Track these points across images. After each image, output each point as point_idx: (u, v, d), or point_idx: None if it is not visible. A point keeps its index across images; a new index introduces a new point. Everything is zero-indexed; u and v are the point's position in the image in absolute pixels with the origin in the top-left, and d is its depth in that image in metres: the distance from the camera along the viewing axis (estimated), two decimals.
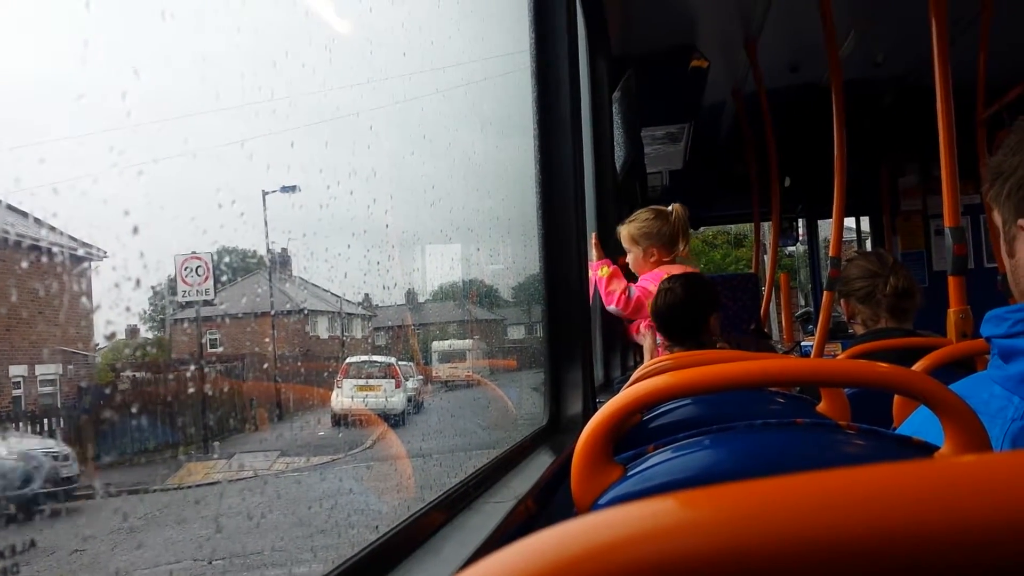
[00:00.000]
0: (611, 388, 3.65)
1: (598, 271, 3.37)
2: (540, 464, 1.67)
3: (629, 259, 3.45)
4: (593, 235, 3.45)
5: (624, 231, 3.44)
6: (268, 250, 0.95)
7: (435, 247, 1.63)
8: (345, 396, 1.09)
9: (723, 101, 5.88)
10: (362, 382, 1.19)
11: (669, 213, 3.40)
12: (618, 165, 4.54)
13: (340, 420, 1.11)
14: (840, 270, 3.49)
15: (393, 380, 1.26)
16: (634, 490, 1.06)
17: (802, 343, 5.61)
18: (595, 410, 2.10)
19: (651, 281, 3.13)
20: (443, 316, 1.39)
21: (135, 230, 0.73)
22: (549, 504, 1.45)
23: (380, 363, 1.30)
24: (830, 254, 3.83)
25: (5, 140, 0.65)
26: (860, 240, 7.29)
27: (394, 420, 1.26)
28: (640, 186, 6.43)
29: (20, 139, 0.66)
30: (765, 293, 5.79)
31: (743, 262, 21.00)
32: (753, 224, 6.74)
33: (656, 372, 1.57)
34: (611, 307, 3.33)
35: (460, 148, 1.64)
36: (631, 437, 1.59)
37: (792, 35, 4.71)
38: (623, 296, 3.30)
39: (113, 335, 0.81)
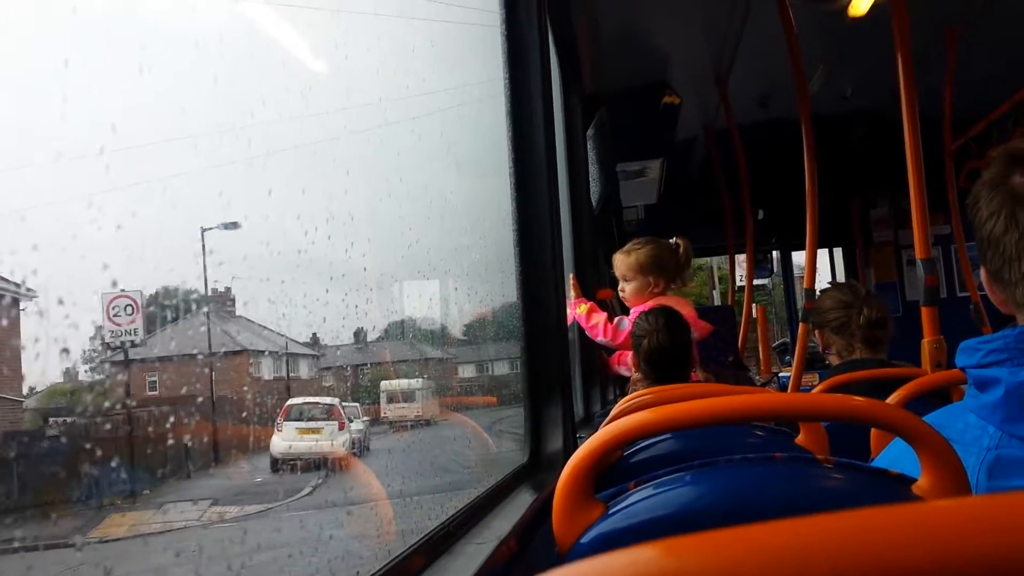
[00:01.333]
0: (591, 423, 3.64)
1: (576, 309, 3.38)
2: (521, 503, 1.67)
3: (627, 288, 3.42)
4: (571, 276, 3.46)
5: (630, 259, 3.40)
6: (212, 289, 0.93)
7: (411, 285, 1.61)
8: (285, 439, 1.05)
9: (695, 136, 5.96)
10: (303, 424, 1.15)
11: (676, 246, 3.43)
12: (594, 200, 4.58)
13: (280, 465, 1.04)
14: (814, 302, 3.53)
15: (335, 422, 1.21)
16: (616, 528, 1.06)
17: (779, 374, 5.65)
18: (576, 446, 2.10)
19: None
20: (396, 355, 1.35)
21: (104, 267, 0.73)
22: (531, 543, 1.44)
23: (322, 404, 1.24)
24: (804, 286, 3.87)
25: None
26: (834, 272, 7.37)
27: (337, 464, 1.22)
28: (616, 220, 6.49)
29: None
30: (742, 325, 5.83)
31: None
32: (728, 256, 6.81)
33: (636, 408, 1.57)
34: (600, 339, 3.34)
35: (436, 189, 1.66)
36: (612, 473, 1.59)
37: (762, 71, 4.80)
38: (608, 326, 3.31)
39: (46, 379, 0.79)
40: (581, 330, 3.52)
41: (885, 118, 5.40)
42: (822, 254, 7.20)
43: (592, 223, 4.56)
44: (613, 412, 2.06)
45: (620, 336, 3.27)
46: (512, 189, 2.07)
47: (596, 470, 1.15)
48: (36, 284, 0.70)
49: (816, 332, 2.89)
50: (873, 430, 1.67)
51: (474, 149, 2.10)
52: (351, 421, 1.28)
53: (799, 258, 7.55)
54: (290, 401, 1.18)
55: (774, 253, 7.74)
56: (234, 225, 0.90)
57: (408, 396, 1.40)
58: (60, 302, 0.70)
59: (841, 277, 7.10)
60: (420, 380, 1.47)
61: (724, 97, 4.92)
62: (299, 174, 1.04)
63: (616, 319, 3.35)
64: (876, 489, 1.00)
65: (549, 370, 2.08)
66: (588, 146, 4.46)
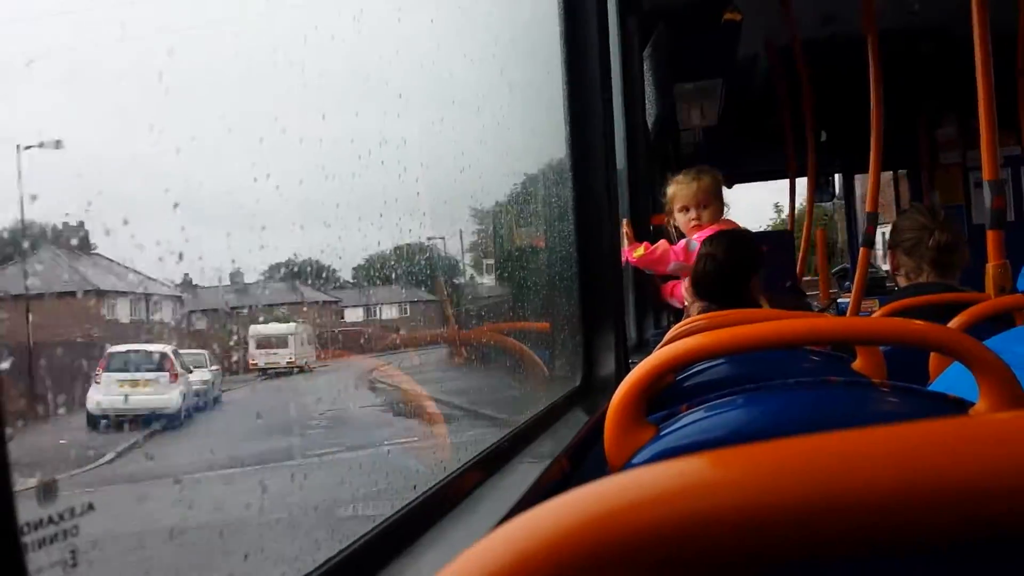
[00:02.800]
0: (644, 348, 3.65)
1: (632, 254, 3.32)
2: (574, 424, 1.69)
3: (703, 215, 3.29)
4: (625, 221, 3.41)
5: (707, 183, 3.33)
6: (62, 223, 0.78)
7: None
8: (103, 392, 0.87)
9: (756, 55, 5.77)
10: (126, 376, 0.96)
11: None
12: (650, 123, 4.49)
13: (98, 423, 0.87)
14: (876, 226, 3.46)
15: (167, 373, 1.03)
16: (667, 448, 1.07)
17: (839, 300, 5.57)
18: (628, 371, 2.12)
19: None
20: (280, 298, 1.16)
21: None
22: (583, 463, 1.47)
23: (151, 352, 1.06)
24: (867, 209, 3.78)
25: None
26: (898, 194, 7.17)
27: (165, 422, 1.00)
28: (673, 145, 6.37)
29: None
30: (801, 250, 5.73)
31: None
32: (788, 180, 6.65)
33: (690, 332, 1.57)
34: (671, 266, 3.29)
35: (489, 112, 1.64)
36: (664, 397, 1.60)
37: None
38: (675, 248, 3.26)
39: None
40: None
41: (953, 34, 5.17)
42: (886, 177, 7.00)
43: (648, 147, 4.49)
44: (667, 337, 2.06)
45: (692, 257, 3.22)
46: (565, 113, 2.05)
47: (648, 393, 1.16)
48: None
49: (889, 253, 2.86)
50: (932, 355, 1.64)
51: (527, 72, 2.07)
52: (189, 371, 1.05)
53: (861, 181, 7.35)
54: (111, 348, 0.96)
55: (836, 176, 7.55)
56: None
57: (280, 341, 1.19)
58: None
59: (905, 200, 6.91)
60: (293, 324, 1.26)
61: (787, 13, 4.75)
62: (352, 98, 1.05)
63: (684, 241, 3.29)
64: (933, 412, 0.99)
65: (602, 296, 2.08)
66: (645, 66, 4.36)
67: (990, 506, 0.33)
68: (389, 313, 1.44)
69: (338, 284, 1.21)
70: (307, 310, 1.23)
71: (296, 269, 1.08)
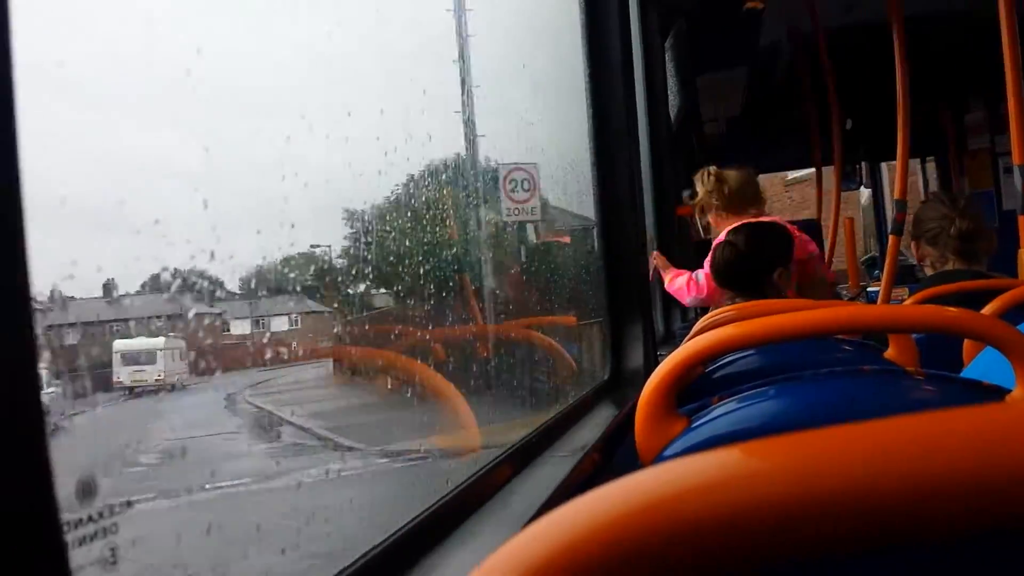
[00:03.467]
0: (672, 341, 3.64)
1: (673, 285, 3.26)
2: (603, 417, 1.69)
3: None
4: (655, 254, 3.37)
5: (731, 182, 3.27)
6: None
7: None
8: None
9: (779, 42, 5.72)
10: None
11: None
12: (672, 115, 4.47)
13: None
14: (905, 213, 3.42)
15: None
16: (700, 440, 1.07)
17: (868, 289, 5.51)
18: (657, 363, 2.11)
19: None
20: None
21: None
22: (614, 456, 1.47)
23: None
24: (895, 197, 3.73)
25: None
26: (926, 182, 7.08)
27: None
28: (697, 136, 6.33)
29: None
30: (829, 239, 5.68)
31: None
32: (815, 169, 6.59)
33: (718, 323, 1.56)
34: (689, 299, 3.23)
35: (513, 110, 1.64)
36: (694, 389, 1.59)
37: None
38: (690, 283, 3.18)
39: None
40: (660, 246, 3.47)
41: (979, 17, 5.09)
42: (914, 164, 6.92)
43: (671, 139, 4.46)
44: (695, 328, 2.04)
45: (704, 289, 3.15)
46: (588, 108, 2.04)
47: (679, 385, 1.16)
48: None
49: (913, 243, 2.82)
50: (966, 343, 1.62)
51: (551, 68, 2.06)
52: None
53: (888, 169, 7.27)
54: None
55: (862, 164, 7.47)
56: None
57: (149, 357, 1.08)
58: None
59: (934, 187, 6.83)
60: (163, 338, 1.13)
61: (809, 1, 4.70)
62: (377, 95, 1.05)
63: (700, 272, 3.21)
64: (969, 400, 0.98)
65: (629, 289, 2.08)
66: (666, 58, 4.34)
67: None
68: (279, 325, 1.34)
69: (222, 295, 1.07)
70: (182, 324, 1.06)
71: (174, 279, 0.98)
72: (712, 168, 3.32)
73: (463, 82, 1.55)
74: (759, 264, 2.55)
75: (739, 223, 2.81)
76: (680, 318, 4.18)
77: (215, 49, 0.72)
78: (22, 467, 0.41)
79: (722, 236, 3.01)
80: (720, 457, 0.36)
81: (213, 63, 0.72)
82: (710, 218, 3.31)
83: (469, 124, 1.60)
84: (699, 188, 3.31)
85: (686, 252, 5.32)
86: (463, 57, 1.52)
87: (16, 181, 0.41)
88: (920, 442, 0.33)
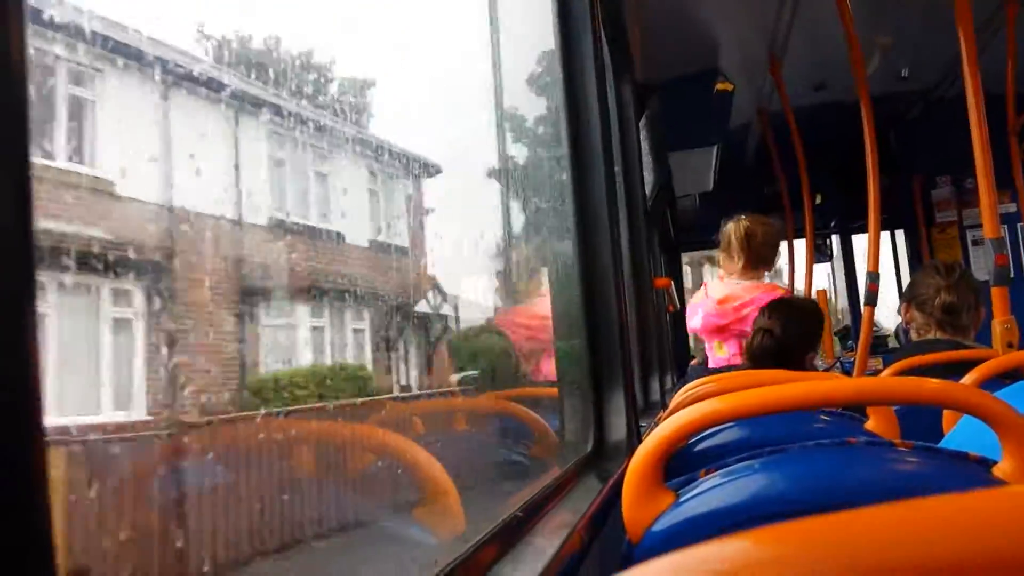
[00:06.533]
0: (651, 411, 3.63)
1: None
2: (588, 492, 1.67)
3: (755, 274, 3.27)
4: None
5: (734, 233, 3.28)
6: None
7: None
8: None
9: (750, 122, 5.88)
10: None
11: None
12: (647, 190, 4.55)
13: None
14: (878, 284, 3.48)
15: None
16: (690, 516, 1.06)
17: (841, 359, 5.55)
18: (639, 434, 2.10)
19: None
20: None
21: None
22: (601, 532, 1.45)
23: None
24: (868, 269, 3.80)
25: None
26: (896, 254, 7.21)
27: None
28: (670, 210, 6.43)
29: None
30: None
31: None
32: (787, 242, 6.70)
33: (699, 396, 1.57)
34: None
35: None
36: (678, 461, 1.58)
37: (816, 55, 4.72)
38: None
39: None
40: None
41: (943, 95, 5.27)
42: (884, 237, 7.04)
43: (646, 212, 4.53)
44: (674, 402, 2.05)
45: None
46: (571, 181, 2.07)
47: (665, 459, 1.15)
48: None
49: (903, 305, 2.88)
50: (946, 413, 1.63)
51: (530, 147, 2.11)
52: None
53: (858, 241, 7.40)
54: None
55: (833, 237, 7.60)
56: None
57: None
58: None
59: (904, 260, 6.95)
60: None
61: (778, 82, 4.85)
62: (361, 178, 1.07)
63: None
64: (957, 473, 0.98)
65: (611, 360, 2.08)
66: (641, 135, 4.44)
67: None
68: None
69: None
70: None
71: None
72: (744, 220, 3.31)
73: None
74: (795, 353, 2.45)
75: (771, 298, 2.75)
76: (659, 390, 4.18)
77: None
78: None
79: (734, 293, 2.96)
80: (723, 548, 0.36)
81: None
82: (721, 263, 3.32)
83: None
84: (728, 237, 3.30)
85: (661, 324, 5.34)
86: None
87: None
88: (937, 527, 0.34)
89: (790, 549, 0.35)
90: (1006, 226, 5.26)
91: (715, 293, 3.13)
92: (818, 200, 6.10)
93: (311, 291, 0.92)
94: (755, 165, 6.50)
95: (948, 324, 2.68)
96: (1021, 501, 0.35)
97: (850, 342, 6.16)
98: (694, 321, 3.21)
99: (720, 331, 3.06)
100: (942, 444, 1.37)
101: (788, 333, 2.43)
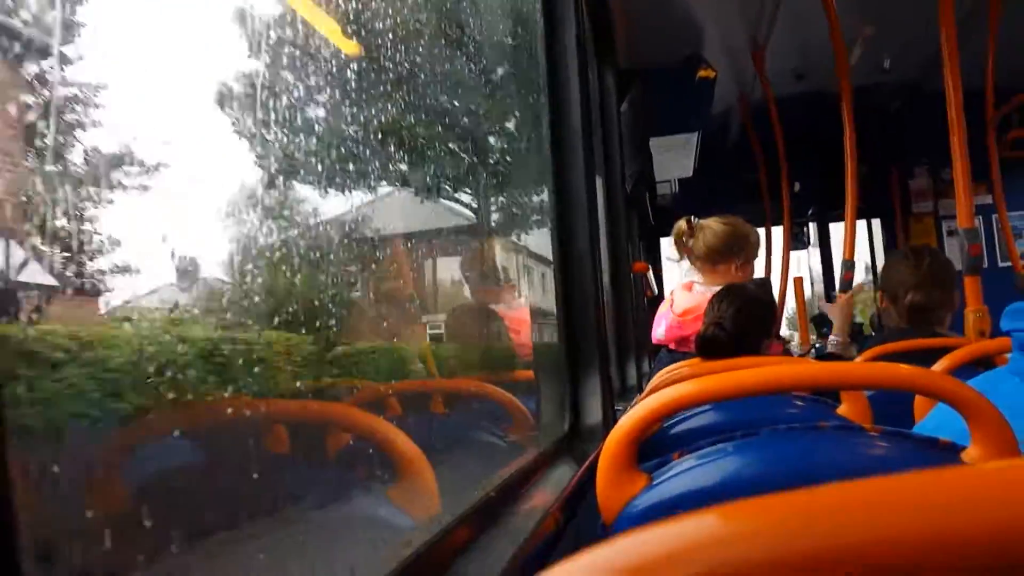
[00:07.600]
0: (627, 395, 3.65)
1: None
2: (563, 474, 1.68)
3: (743, 271, 3.26)
4: None
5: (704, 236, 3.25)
6: None
7: None
8: None
9: (731, 109, 5.90)
10: None
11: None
12: (627, 175, 4.56)
13: None
14: (853, 272, 3.51)
15: None
16: (663, 499, 1.07)
17: (816, 345, 5.61)
18: (615, 418, 2.11)
19: None
20: None
21: None
22: (575, 514, 1.45)
23: None
24: (844, 257, 3.83)
25: None
26: (872, 243, 7.27)
27: None
28: (650, 195, 6.45)
29: None
30: (778, 297, 5.78)
31: None
32: (764, 229, 6.74)
33: (674, 380, 1.57)
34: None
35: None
36: (653, 444, 1.59)
37: (798, 44, 4.74)
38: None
39: None
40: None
41: (924, 88, 5.32)
42: (860, 225, 7.10)
43: (625, 198, 4.55)
44: (651, 385, 2.06)
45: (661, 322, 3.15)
46: (551, 164, 2.07)
47: (639, 441, 1.16)
48: None
49: (879, 292, 2.87)
50: (917, 399, 1.65)
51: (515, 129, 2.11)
52: None
53: (836, 229, 7.47)
54: None
55: (810, 225, 7.66)
56: None
57: None
58: None
59: (880, 248, 7.01)
60: None
61: (760, 71, 4.87)
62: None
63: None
64: (926, 458, 1.00)
65: (588, 344, 2.09)
66: (621, 121, 4.44)
67: (998, 556, 0.33)
68: None
69: None
70: None
71: None
72: (695, 220, 3.31)
73: None
74: (746, 344, 2.36)
75: (722, 286, 2.69)
76: (636, 373, 4.20)
77: None
78: None
79: (697, 304, 2.95)
80: (691, 523, 0.36)
81: None
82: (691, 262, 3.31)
83: None
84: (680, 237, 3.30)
85: (639, 308, 5.37)
86: None
87: None
88: (895, 506, 0.34)
89: (754, 523, 0.35)
90: (981, 217, 5.32)
91: (677, 307, 3.14)
92: (796, 188, 6.14)
93: None
94: (735, 152, 6.52)
95: (917, 321, 2.67)
96: (981, 480, 0.36)
97: (825, 329, 6.22)
98: (658, 331, 3.20)
99: (683, 342, 3.07)
100: (913, 431, 1.39)
101: (738, 323, 2.35)
